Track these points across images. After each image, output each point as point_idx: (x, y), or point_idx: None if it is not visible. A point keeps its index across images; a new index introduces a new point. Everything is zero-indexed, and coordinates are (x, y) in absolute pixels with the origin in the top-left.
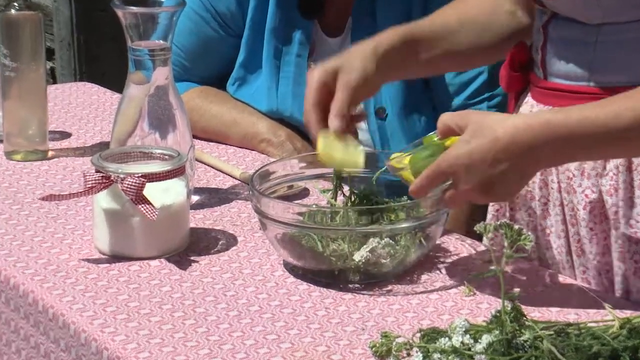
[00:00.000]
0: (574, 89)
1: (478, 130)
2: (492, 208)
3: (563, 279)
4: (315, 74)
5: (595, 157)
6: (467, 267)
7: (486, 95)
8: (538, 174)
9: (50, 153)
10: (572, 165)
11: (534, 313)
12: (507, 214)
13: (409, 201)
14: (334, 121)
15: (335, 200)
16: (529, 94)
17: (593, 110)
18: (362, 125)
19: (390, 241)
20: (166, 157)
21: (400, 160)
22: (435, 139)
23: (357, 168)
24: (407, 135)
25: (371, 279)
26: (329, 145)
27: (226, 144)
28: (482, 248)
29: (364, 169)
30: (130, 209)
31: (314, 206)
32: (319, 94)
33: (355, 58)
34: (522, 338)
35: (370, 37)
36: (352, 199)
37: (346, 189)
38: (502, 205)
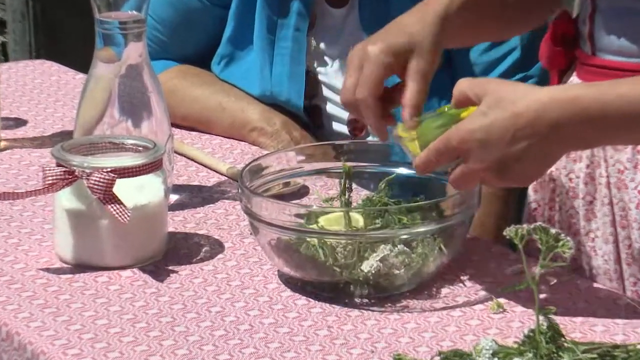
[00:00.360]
0: (627, 67)
1: (497, 101)
2: (528, 208)
3: (609, 292)
4: (378, 54)
5: (630, 140)
6: (496, 278)
7: (519, 76)
8: (583, 166)
9: (2, 144)
10: (624, 157)
11: (574, 333)
12: (546, 214)
13: (427, 200)
14: (410, 117)
15: (344, 201)
16: (575, 73)
17: (631, 87)
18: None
19: (405, 248)
20: (140, 148)
21: (408, 129)
22: (447, 109)
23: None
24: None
25: (382, 293)
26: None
27: (211, 134)
28: (513, 256)
29: (375, 163)
30: (98, 209)
31: (314, 207)
32: (381, 82)
33: (425, 37)
34: None
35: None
36: (361, 198)
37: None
38: (541, 204)
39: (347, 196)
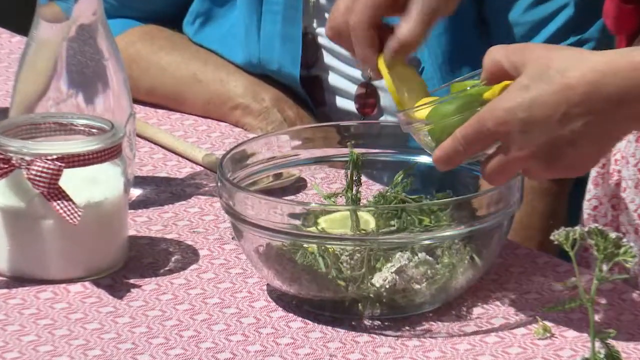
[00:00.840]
0: None
1: (542, 71)
2: (587, 204)
3: None
4: None
5: None
6: (541, 295)
7: (572, 39)
8: None
9: None
10: None
11: None
12: (609, 214)
13: (455, 197)
14: (393, 52)
15: (352, 198)
16: None
17: None
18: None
19: (427, 257)
20: (94, 130)
21: (416, 111)
22: (470, 87)
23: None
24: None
25: (398, 313)
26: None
27: (182, 112)
28: (564, 267)
29: (391, 150)
30: (41, 207)
31: (313, 204)
32: (380, 8)
33: None
34: None
35: None
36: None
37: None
38: (603, 201)
39: (354, 192)
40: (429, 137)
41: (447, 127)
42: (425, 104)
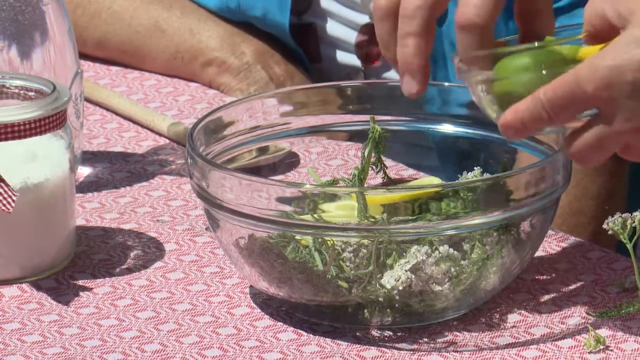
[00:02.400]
0: None
1: None
2: None
3: None
4: None
5: None
6: (593, 298)
7: None
8: None
9: None
10: None
11: None
12: None
13: (485, 175)
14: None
15: (360, 177)
16: None
17: None
18: None
19: (452, 251)
20: (31, 94)
21: (481, 58)
22: (572, 36)
23: None
24: None
25: (415, 322)
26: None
27: (142, 70)
28: (621, 263)
29: (403, 117)
30: None
31: (308, 185)
32: None
33: None
34: None
35: None
36: (382, 172)
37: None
38: None
39: (379, 173)
40: (490, 96)
41: (518, 85)
42: (493, 51)
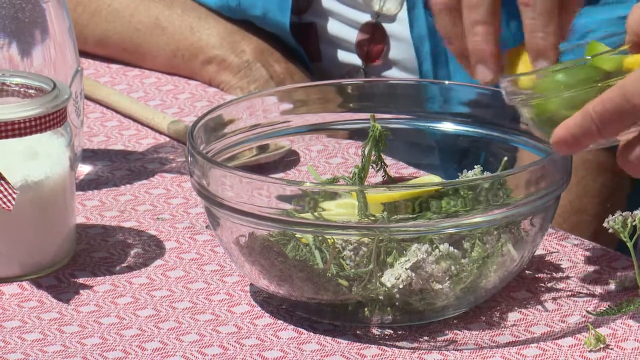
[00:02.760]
0: None
1: None
2: None
3: None
4: None
5: None
6: (594, 296)
7: None
8: None
9: None
10: None
11: None
12: None
13: (485, 174)
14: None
15: (360, 175)
16: None
17: None
18: (397, 27)
19: (452, 249)
20: (31, 91)
21: (525, 79)
22: (607, 52)
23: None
24: None
25: (415, 320)
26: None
27: (142, 68)
28: (621, 262)
29: (404, 115)
30: None
31: (308, 183)
32: None
33: None
34: None
35: None
36: (382, 170)
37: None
38: None
39: (380, 171)
40: (537, 116)
41: (563, 103)
42: (536, 71)
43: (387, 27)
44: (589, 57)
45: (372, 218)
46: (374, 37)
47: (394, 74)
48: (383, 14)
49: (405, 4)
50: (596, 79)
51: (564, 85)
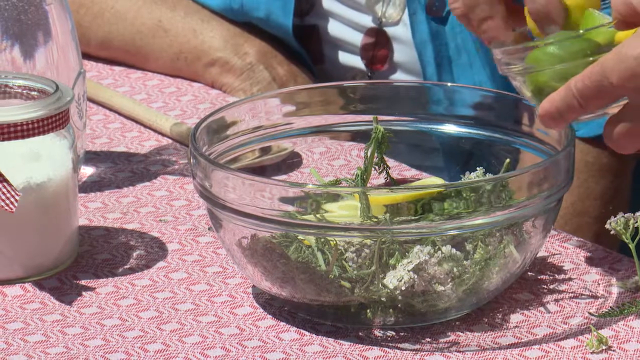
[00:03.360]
0: None
1: None
2: None
3: None
4: None
5: None
6: (596, 298)
7: None
8: None
9: None
10: None
11: None
12: None
13: (487, 176)
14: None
15: (363, 177)
16: None
17: None
18: (401, 31)
19: (454, 251)
20: (33, 93)
21: (517, 50)
22: (602, 23)
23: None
24: (487, 53)
25: (417, 322)
26: None
27: (145, 70)
28: (624, 264)
29: (407, 117)
30: None
31: (310, 185)
32: None
33: None
34: None
35: None
36: (384, 172)
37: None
38: None
39: (382, 173)
40: (529, 86)
41: (554, 75)
42: (527, 44)
43: (390, 30)
44: (581, 31)
45: (375, 220)
46: (378, 41)
47: (398, 78)
48: (385, 20)
49: (406, 9)
50: (587, 53)
51: (557, 57)
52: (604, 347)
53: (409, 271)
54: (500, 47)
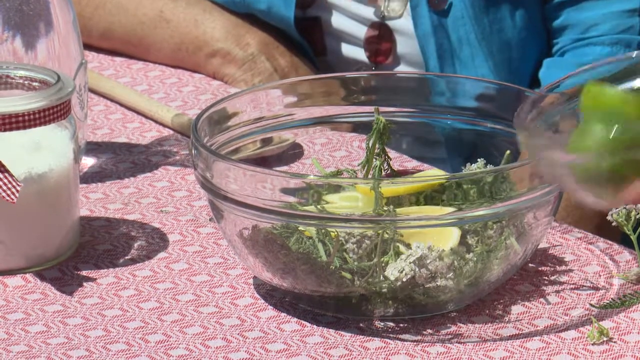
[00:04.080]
0: None
1: None
2: None
3: None
4: None
5: None
6: (597, 290)
7: None
8: None
9: None
10: None
11: None
12: None
13: (488, 167)
14: None
15: (380, 167)
16: None
17: None
18: (404, 24)
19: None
20: (35, 84)
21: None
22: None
23: None
24: (489, 45)
25: (418, 313)
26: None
27: (146, 60)
28: (625, 256)
29: (409, 109)
30: None
31: (312, 177)
32: None
33: None
34: None
35: None
36: (384, 164)
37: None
38: None
39: (382, 165)
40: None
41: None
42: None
43: (393, 23)
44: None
45: (383, 211)
46: (382, 34)
47: (402, 70)
48: (388, 13)
49: (409, 2)
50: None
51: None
52: (604, 339)
53: (410, 263)
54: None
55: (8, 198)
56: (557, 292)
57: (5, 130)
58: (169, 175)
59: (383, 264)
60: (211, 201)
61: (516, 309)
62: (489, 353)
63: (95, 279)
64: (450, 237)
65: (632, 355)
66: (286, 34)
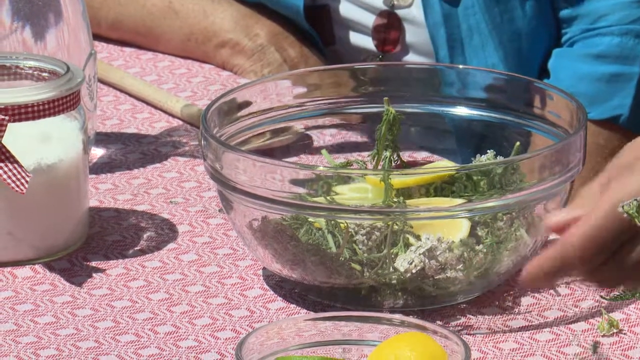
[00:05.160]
0: None
1: None
2: None
3: None
4: None
5: None
6: None
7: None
8: None
9: None
10: None
11: None
12: None
13: (498, 158)
14: None
15: (391, 158)
16: None
17: None
18: (414, 13)
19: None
20: (44, 74)
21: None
22: None
23: None
24: (499, 35)
25: (428, 305)
26: None
27: (155, 51)
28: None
29: (418, 100)
30: None
31: (321, 167)
32: None
33: None
34: None
35: None
36: (393, 156)
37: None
38: None
39: (391, 156)
40: None
41: None
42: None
43: (403, 12)
44: None
45: (394, 202)
46: (390, 23)
47: (410, 60)
48: (397, 2)
49: None
50: None
51: None
52: (614, 331)
53: (420, 255)
54: None
55: (17, 189)
56: (567, 283)
57: (14, 121)
58: (178, 166)
59: (393, 256)
60: (221, 192)
61: (526, 301)
62: (499, 344)
63: (105, 270)
64: (460, 229)
65: None
66: (295, 24)
